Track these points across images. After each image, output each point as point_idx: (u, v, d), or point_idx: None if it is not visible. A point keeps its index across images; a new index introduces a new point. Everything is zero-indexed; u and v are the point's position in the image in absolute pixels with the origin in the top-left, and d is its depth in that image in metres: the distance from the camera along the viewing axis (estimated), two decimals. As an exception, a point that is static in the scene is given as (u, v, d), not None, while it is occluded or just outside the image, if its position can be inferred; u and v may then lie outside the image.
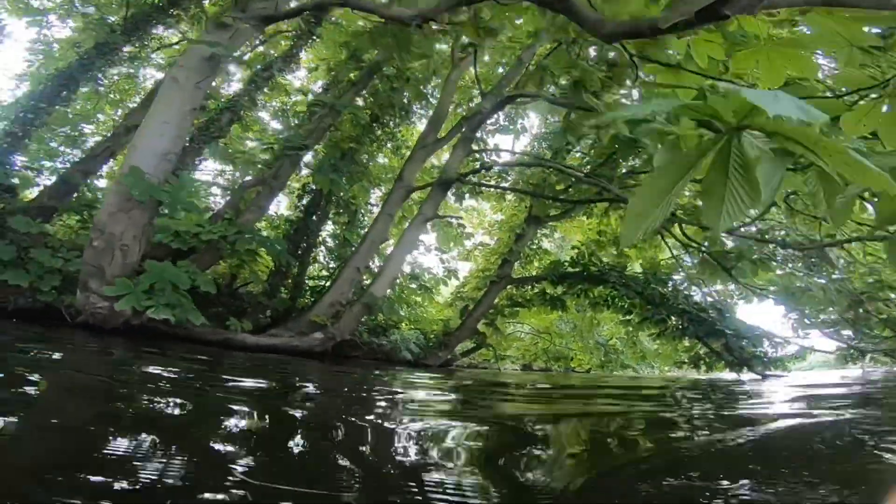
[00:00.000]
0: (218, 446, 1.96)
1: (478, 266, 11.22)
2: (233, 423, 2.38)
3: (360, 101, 10.51)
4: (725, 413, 3.86)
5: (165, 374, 3.47)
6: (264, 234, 8.95)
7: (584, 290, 9.17)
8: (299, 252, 10.49)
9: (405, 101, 10.75)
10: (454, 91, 9.95)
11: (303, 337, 7.01)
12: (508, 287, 9.70)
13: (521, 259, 10.18)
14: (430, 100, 11.05)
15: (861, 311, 5.54)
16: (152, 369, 3.59)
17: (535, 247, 10.63)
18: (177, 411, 2.43)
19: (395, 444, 2.21)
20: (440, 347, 8.92)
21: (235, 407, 2.69)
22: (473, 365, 14.13)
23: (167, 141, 5.06)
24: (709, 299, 8.88)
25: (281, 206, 12.85)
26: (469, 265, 11.60)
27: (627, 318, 8.63)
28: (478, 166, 8.60)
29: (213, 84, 10.45)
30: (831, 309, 5.55)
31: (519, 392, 5.38)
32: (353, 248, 8.52)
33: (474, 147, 8.18)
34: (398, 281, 8.87)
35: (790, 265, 6.12)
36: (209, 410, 2.57)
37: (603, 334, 14.58)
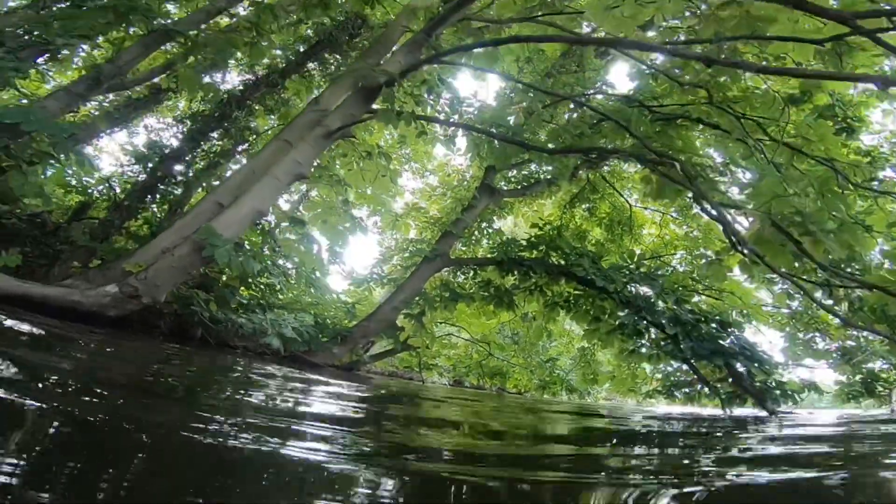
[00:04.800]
0: None
1: (406, 237, 8.66)
2: None
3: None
4: None
5: None
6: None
7: (540, 285, 6.95)
8: (166, 186, 7.59)
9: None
10: (419, 9, 7.42)
11: (89, 291, 4.18)
12: (444, 271, 7.30)
13: (465, 237, 7.83)
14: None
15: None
16: None
17: (485, 225, 8.29)
18: None
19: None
20: (338, 341, 6.31)
21: None
22: (395, 373, 11.52)
23: None
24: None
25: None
26: (394, 240, 8.97)
27: (595, 326, 6.50)
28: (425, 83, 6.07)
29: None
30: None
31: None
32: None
33: (423, 56, 5.73)
34: (273, 224, 6.15)
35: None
36: None
37: (548, 352, 12.57)
